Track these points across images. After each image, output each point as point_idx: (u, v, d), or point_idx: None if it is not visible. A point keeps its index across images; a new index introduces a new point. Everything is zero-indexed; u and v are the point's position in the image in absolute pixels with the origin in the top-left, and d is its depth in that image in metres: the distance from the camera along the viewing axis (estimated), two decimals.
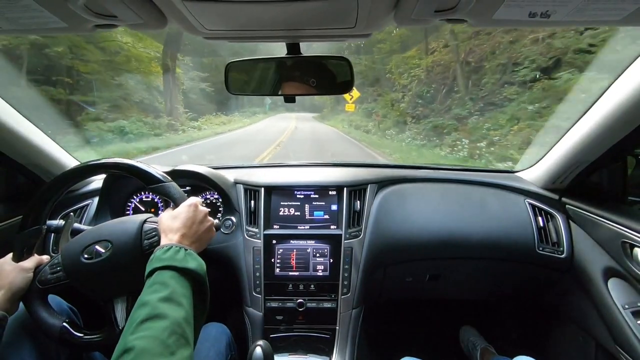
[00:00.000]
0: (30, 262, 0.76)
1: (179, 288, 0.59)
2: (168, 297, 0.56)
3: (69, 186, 0.82)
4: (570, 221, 1.15)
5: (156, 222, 0.78)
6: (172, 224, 0.71)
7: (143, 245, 0.75)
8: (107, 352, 0.91)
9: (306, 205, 1.22)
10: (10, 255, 0.76)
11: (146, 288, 0.59)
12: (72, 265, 0.75)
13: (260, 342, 0.82)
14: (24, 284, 0.74)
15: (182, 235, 0.69)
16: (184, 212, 0.73)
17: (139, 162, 0.81)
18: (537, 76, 5.78)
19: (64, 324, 0.74)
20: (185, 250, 0.65)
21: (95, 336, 0.75)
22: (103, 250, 0.74)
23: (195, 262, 0.65)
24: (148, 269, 0.62)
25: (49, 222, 0.83)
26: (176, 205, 0.76)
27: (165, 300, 0.56)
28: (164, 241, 0.69)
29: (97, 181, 1.30)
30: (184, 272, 0.62)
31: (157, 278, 0.60)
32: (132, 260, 0.74)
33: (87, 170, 0.82)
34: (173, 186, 0.79)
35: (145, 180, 0.79)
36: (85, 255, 0.74)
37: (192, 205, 0.75)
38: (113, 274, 0.75)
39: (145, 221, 0.79)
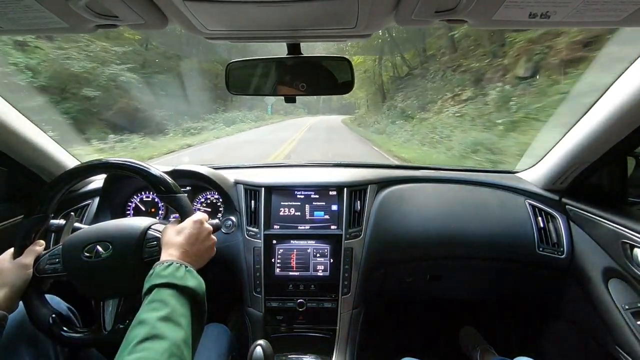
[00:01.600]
0: (29, 258, 0.76)
1: (178, 307, 0.58)
2: (167, 317, 0.55)
3: (79, 180, 0.82)
4: (571, 222, 1.15)
5: (159, 232, 0.78)
6: (175, 238, 0.70)
7: (143, 252, 0.75)
8: (104, 352, 0.92)
9: (306, 205, 1.22)
10: (9, 252, 0.76)
11: (144, 305, 0.58)
12: (71, 260, 0.75)
13: (261, 342, 0.82)
14: (24, 282, 0.74)
15: (183, 252, 0.68)
16: (189, 228, 0.72)
17: (155, 168, 0.80)
18: None
19: (53, 316, 0.74)
20: (186, 267, 0.64)
21: (82, 334, 0.75)
22: (103, 251, 0.75)
23: (195, 281, 0.64)
24: (147, 284, 0.61)
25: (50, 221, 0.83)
26: (182, 219, 0.76)
27: (164, 319, 0.55)
28: (164, 256, 0.68)
29: (97, 181, 1.30)
30: (183, 291, 0.61)
31: (156, 296, 0.59)
32: (130, 266, 0.75)
33: (100, 167, 0.82)
34: (183, 199, 0.78)
35: (158, 188, 0.79)
36: (86, 254, 0.75)
37: (198, 221, 0.74)
38: (109, 276, 0.75)
39: (149, 228, 0.79)
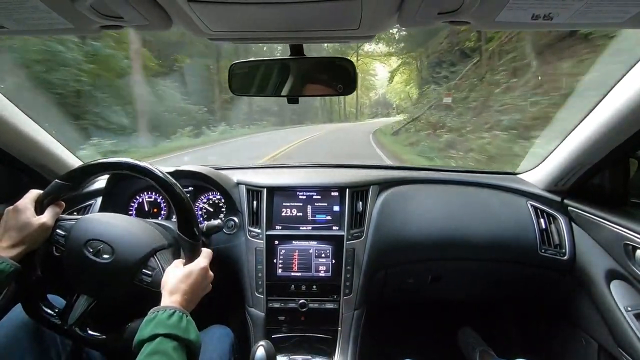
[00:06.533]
0: (51, 220, 0.77)
1: None
2: None
3: (111, 173, 0.88)
4: (573, 223, 1.15)
5: (160, 264, 0.77)
6: (180, 284, 0.70)
7: (137, 274, 0.75)
8: (106, 353, 0.92)
9: (308, 206, 1.22)
10: (31, 203, 0.76)
11: (145, 356, 0.56)
12: (73, 247, 0.77)
13: (263, 343, 0.82)
14: (42, 243, 0.76)
15: (186, 299, 0.68)
16: (195, 275, 0.72)
17: (190, 203, 0.78)
18: None
19: (34, 278, 0.76)
20: (187, 317, 0.64)
21: (51, 314, 0.76)
22: (104, 254, 0.76)
23: (195, 334, 0.63)
24: (147, 330, 0.60)
25: None
26: (187, 261, 0.76)
27: None
28: (167, 300, 0.67)
29: (100, 181, 1.30)
30: (184, 344, 0.60)
31: (160, 347, 0.57)
32: (119, 279, 0.76)
33: (132, 169, 0.80)
34: (197, 247, 0.78)
35: (184, 227, 0.77)
36: (90, 249, 0.76)
37: (205, 269, 0.75)
38: (98, 278, 0.77)
39: (154, 254, 0.79)
